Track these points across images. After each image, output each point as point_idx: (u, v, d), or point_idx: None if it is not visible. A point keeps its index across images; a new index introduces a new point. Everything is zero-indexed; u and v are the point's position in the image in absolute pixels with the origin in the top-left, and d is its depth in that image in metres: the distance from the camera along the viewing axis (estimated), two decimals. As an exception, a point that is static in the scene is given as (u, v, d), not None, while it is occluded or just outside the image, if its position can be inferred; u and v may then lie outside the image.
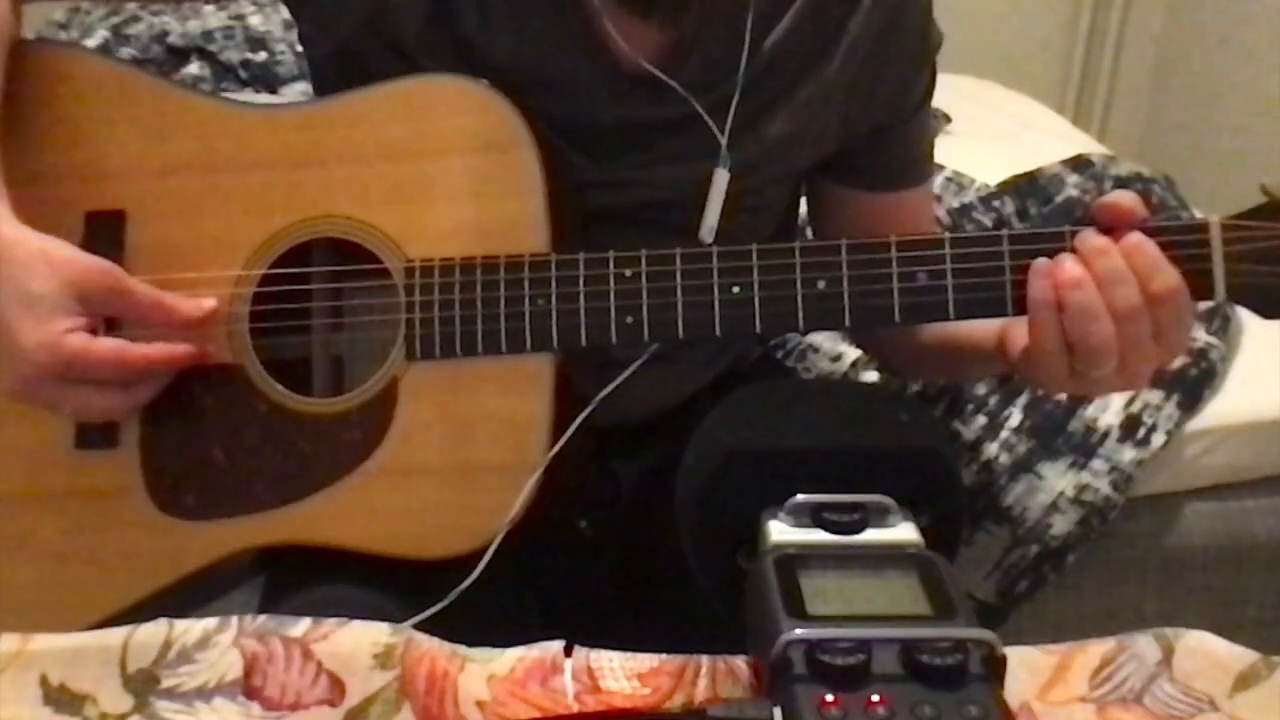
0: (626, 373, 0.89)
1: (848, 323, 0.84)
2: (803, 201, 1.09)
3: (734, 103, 0.89)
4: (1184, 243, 0.78)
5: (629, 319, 0.84)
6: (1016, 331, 0.83)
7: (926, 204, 1.08)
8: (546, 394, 0.85)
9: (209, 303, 0.86)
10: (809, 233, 1.41)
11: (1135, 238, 0.77)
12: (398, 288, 0.85)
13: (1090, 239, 0.78)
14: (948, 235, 0.82)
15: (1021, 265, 0.80)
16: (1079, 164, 1.58)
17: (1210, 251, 0.78)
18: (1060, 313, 0.78)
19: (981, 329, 0.89)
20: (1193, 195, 1.60)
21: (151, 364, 0.83)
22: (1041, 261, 0.79)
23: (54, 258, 0.80)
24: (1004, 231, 0.82)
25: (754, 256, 0.83)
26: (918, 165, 1.03)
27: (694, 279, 0.83)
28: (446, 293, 0.84)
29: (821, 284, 0.82)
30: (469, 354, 0.85)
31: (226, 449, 0.87)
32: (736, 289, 0.83)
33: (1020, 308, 0.81)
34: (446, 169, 0.86)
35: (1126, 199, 0.79)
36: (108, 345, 0.81)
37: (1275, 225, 0.78)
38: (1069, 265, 0.78)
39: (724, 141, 0.90)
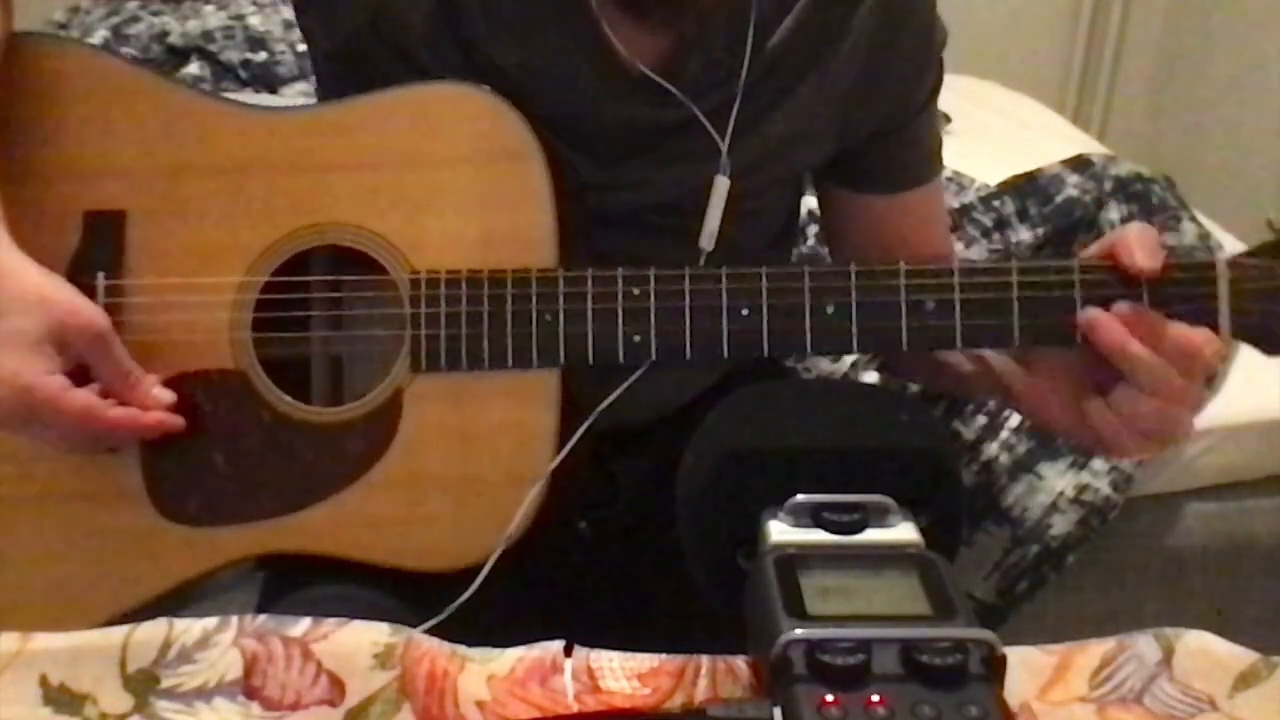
0: (625, 385, 0.88)
1: (855, 348, 0.84)
2: (804, 206, 1.09)
3: (735, 107, 0.89)
4: (1190, 280, 0.79)
5: (636, 338, 0.84)
6: (1060, 410, 0.84)
7: (938, 202, 1.07)
8: (552, 406, 0.85)
9: (169, 397, 0.84)
10: (809, 233, 1.41)
11: (1151, 327, 0.77)
12: (403, 298, 0.85)
13: (1105, 340, 0.78)
14: (957, 264, 0.82)
15: (1029, 298, 0.80)
16: (1079, 164, 1.57)
17: (1216, 290, 0.78)
18: (1128, 427, 0.80)
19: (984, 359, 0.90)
20: (1193, 195, 1.60)
21: (118, 429, 0.82)
22: (1092, 405, 0.81)
23: (44, 295, 0.79)
24: (1012, 263, 0.82)
25: (763, 279, 0.83)
26: (926, 164, 1.02)
27: (702, 300, 0.83)
28: (453, 305, 0.84)
29: (830, 308, 0.82)
30: (475, 367, 0.84)
31: (228, 456, 0.87)
32: (745, 311, 0.83)
33: (1027, 340, 0.81)
34: (453, 178, 0.86)
35: (1149, 257, 0.78)
36: (77, 401, 0.79)
37: None
38: (1130, 399, 0.79)
39: (724, 148, 0.89)
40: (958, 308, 0.81)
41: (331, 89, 0.94)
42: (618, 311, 0.83)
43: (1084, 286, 0.80)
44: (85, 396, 0.80)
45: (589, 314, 0.83)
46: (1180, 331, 0.77)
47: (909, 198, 1.01)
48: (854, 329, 0.82)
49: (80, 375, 0.81)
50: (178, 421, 0.84)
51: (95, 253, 0.86)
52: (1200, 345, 0.77)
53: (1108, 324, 0.78)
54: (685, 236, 0.90)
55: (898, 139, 0.99)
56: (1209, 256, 0.80)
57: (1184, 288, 0.79)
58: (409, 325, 0.85)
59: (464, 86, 0.86)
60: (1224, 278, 0.79)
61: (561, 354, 0.84)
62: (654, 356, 0.84)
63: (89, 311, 0.80)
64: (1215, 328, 0.79)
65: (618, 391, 0.88)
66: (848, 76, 0.93)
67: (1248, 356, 1.41)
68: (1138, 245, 0.79)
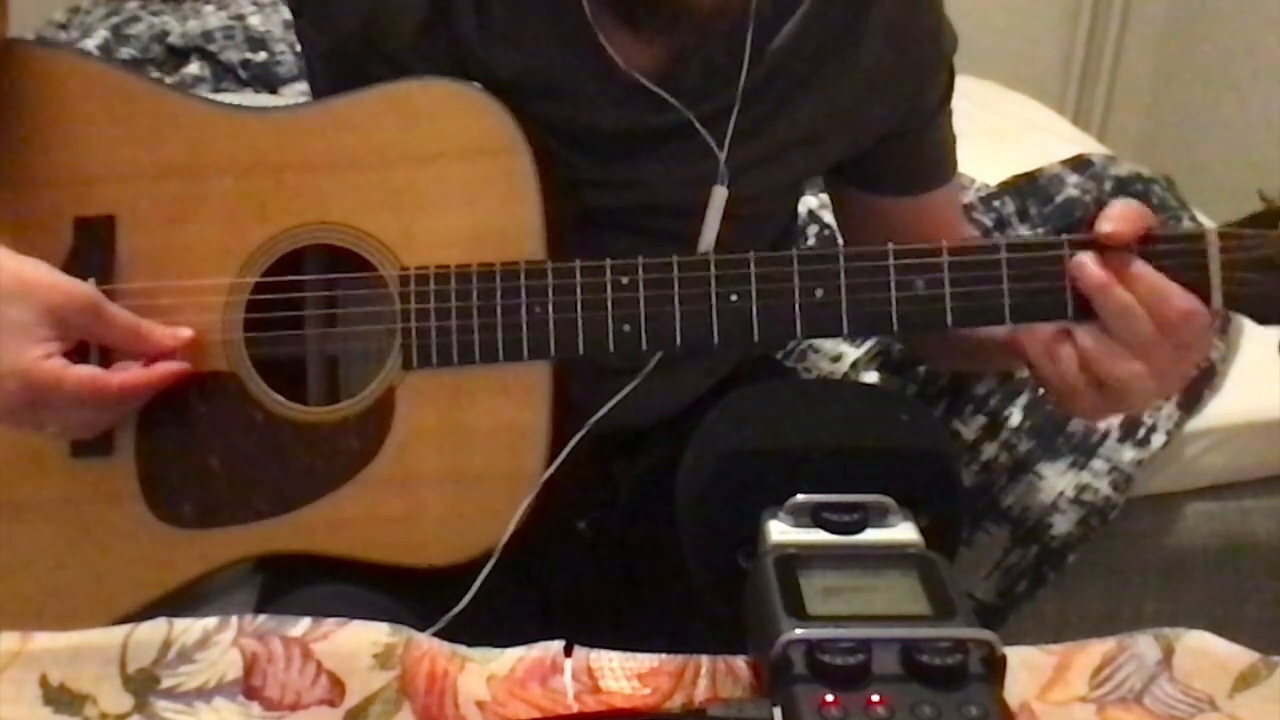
0: (627, 389, 0.88)
1: (845, 331, 0.84)
2: (803, 206, 1.09)
3: (734, 115, 0.89)
4: (1181, 252, 0.79)
5: (626, 327, 0.83)
6: (1033, 340, 0.84)
7: (954, 204, 1.07)
8: (544, 402, 0.85)
9: (185, 332, 0.85)
10: (809, 233, 1.41)
11: (1134, 269, 0.78)
12: (393, 295, 0.85)
13: (1089, 274, 0.78)
14: (945, 244, 0.82)
15: (1019, 275, 0.80)
16: (1079, 164, 1.57)
17: (1207, 261, 0.78)
18: (1083, 368, 0.80)
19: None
20: (1193, 195, 1.60)
21: (126, 390, 0.82)
22: (1055, 335, 0.81)
23: (31, 282, 0.79)
24: (1001, 241, 0.82)
25: (751, 265, 0.83)
26: (941, 167, 1.02)
27: (691, 287, 0.83)
28: (442, 301, 0.84)
29: (819, 292, 0.82)
30: (466, 363, 0.84)
31: (222, 457, 0.87)
32: (734, 298, 0.83)
33: (1018, 317, 0.81)
34: (441, 175, 0.86)
35: (1124, 224, 0.78)
36: (81, 374, 0.80)
37: (1272, 233, 0.78)
38: (1087, 337, 0.79)
39: (723, 158, 0.89)
40: (947, 287, 0.81)
41: (324, 92, 0.94)
42: (607, 302, 0.83)
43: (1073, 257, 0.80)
44: (88, 369, 0.81)
45: (578, 305, 0.83)
46: (1155, 277, 0.77)
47: (926, 199, 1.01)
48: (844, 313, 0.82)
49: (76, 358, 0.81)
50: (184, 367, 0.84)
51: (87, 258, 0.86)
52: (1173, 291, 0.77)
53: (1092, 263, 0.79)
54: (685, 240, 0.90)
55: (912, 143, 0.98)
56: (1199, 227, 0.80)
57: (1174, 259, 0.78)
58: (399, 322, 0.85)
59: (450, 83, 0.86)
60: (1214, 246, 0.78)
61: (552, 346, 0.84)
62: (644, 347, 0.84)
63: (75, 287, 0.81)
64: (1207, 298, 0.79)
65: (615, 400, 0.88)
66: (854, 83, 0.92)
67: (1247, 357, 1.42)
68: (1108, 213, 0.79)
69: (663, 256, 0.84)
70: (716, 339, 0.83)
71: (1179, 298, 0.77)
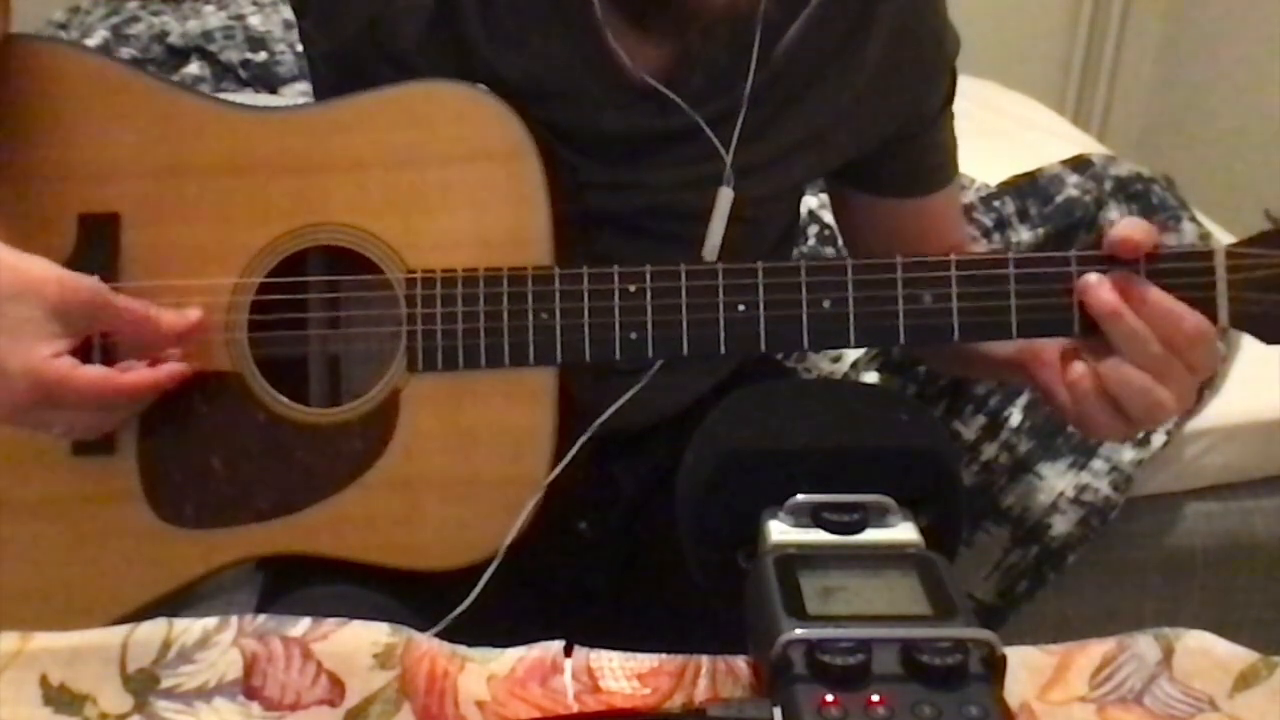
0: (631, 392, 0.88)
1: (853, 343, 0.84)
2: (804, 206, 1.09)
3: (740, 119, 0.89)
4: (1189, 270, 0.79)
5: (633, 335, 0.83)
6: (1047, 367, 0.84)
7: (954, 206, 1.07)
8: (549, 406, 0.85)
9: (194, 314, 0.84)
10: (810, 233, 1.40)
11: (1141, 292, 0.78)
12: (398, 298, 0.85)
13: (1097, 299, 0.78)
14: (954, 258, 0.82)
15: (1026, 291, 0.80)
16: (1079, 164, 1.57)
17: (1215, 280, 0.79)
18: (1100, 393, 0.80)
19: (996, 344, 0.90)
20: (1193, 195, 1.60)
21: (134, 391, 0.82)
22: (1076, 362, 0.81)
23: (34, 279, 0.78)
24: (1010, 255, 0.82)
25: (759, 275, 0.83)
26: (942, 170, 1.02)
27: (699, 296, 0.83)
28: (448, 305, 0.84)
29: (827, 303, 0.82)
30: (471, 367, 0.84)
31: (225, 458, 0.86)
32: (742, 307, 0.83)
33: (1024, 332, 0.81)
34: (448, 177, 0.85)
35: (1130, 243, 0.79)
36: (89, 375, 0.79)
37: (1278, 253, 0.78)
38: (1115, 364, 0.79)
39: (729, 160, 0.89)
40: (955, 301, 0.81)
41: (328, 94, 0.94)
42: (614, 309, 0.83)
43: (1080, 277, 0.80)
44: (96, 369, 0.80)
45: (585, 312, 0.83)
46: (1163, 300, 0.78)
47: (926, 201, 1.01)
48: (851, 324, 0.82)
49: (82, 355, 0.81)
50: (191, 367, 0.84)
51: (90, 256, 0.86)
52: (1182, 313, 0.77)
53: (1100, 287, 0.79)
54: (688, 243, 0.90)
55: (913, 146, 0.98)
56: (1206, 246, 0.80)
57: (1182, 277, 0.79)
58: (405, 325, 0.85)
59: (458, 85, 0.86)
60: (1222, 265, 0.79)
61: (558, 353, 0.84)
62: (651, 355, 0.84)
63: (79, 281, 0.80)
64: (1213, 316, 0.79)
65: (619, 403, 0.88)
66: (858, 85, 0.92)
67: (1247, 357, 1.42)
68: (1115, 231, 0.79)
69: (667, 258, 0.84)
70: (724, 348, 0.83)
71: (1187, 319, 0.78)
